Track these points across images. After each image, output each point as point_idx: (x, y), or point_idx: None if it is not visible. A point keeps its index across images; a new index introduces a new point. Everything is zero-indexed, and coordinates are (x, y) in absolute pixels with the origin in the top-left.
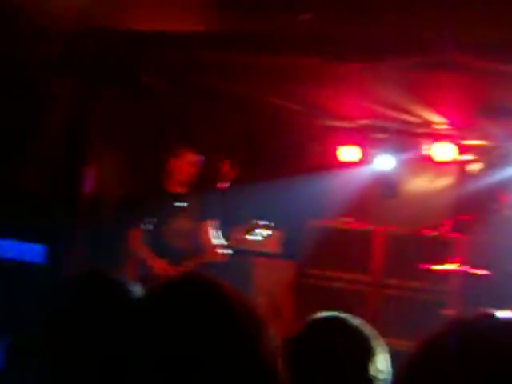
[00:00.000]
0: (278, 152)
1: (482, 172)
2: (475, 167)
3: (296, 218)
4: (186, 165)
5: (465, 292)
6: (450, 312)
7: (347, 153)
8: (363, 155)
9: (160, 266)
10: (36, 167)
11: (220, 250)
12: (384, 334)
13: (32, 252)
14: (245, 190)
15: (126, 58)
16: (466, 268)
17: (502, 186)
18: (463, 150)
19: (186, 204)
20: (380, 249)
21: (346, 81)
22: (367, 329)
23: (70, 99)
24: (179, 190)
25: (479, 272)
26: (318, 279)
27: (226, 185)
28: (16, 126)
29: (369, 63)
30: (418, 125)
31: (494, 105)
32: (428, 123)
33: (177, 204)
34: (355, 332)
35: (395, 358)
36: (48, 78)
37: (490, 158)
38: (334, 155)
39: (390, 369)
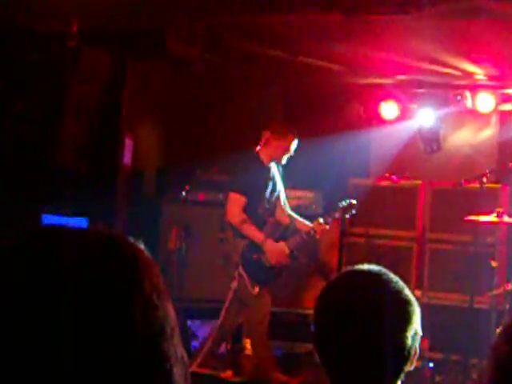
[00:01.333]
0: (317, 112)
1: None
2: None
3: (338, 178)
4: (286, 147)
5: (511, 243)
6: (497, 263)
7: (388, 109)
8: (404, 111)
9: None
10: (73, 142)
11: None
12: (432, 288)
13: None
14: None
15: (154, 27)
16: (510, 218)
17: None
18: (504, 99)
19: (272, 177)
20: (425, 204)
21: (381, 36)
22: (403, 286)
23: (102, 71)
24: (270, 163)
25: None
26: (363, 238)
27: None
28: (50, 101)
29: (401, 15)
30: (458, 77)
31: None
32: (467, 74)
33: (268, 177)
34: (393, 290)
35: (443, 311)
36: (80, 51)
37: None
38: (375, 112)
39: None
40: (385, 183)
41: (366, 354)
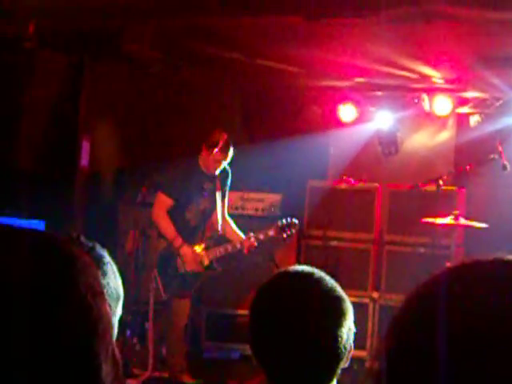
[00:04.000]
0: (275, 114)
1: (480, 123)
2: (474, 119)
3: (296, 180)
4: (214, 160)
5: (467, 245)
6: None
7: (347, 112)
8: (362, 113)
9: (187, 250)
10: (30, 144)
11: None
12: (389, 290)
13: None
14: (243, 153)
15: (110, 28)
16: (466, 221)
17: (501, 137)
18: (461, 102)
19: (211, 184)
20: (382, 206)
21: (340, 39)
22: (336, 285)
23: (59, 73)
24: (207, 173)
25: (479, 224)
26: (321, 240)
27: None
28: (6, 104)
29: (359, 18)
30: (415, 80)
31: (490, 55)
32: (425, 78)
33: (204, 184)
34: (325, 289)
35: None
36: (36, 53)
37: (489, 109)
38: (333, 115)
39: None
40: (343, 185)
41: (301, 352)
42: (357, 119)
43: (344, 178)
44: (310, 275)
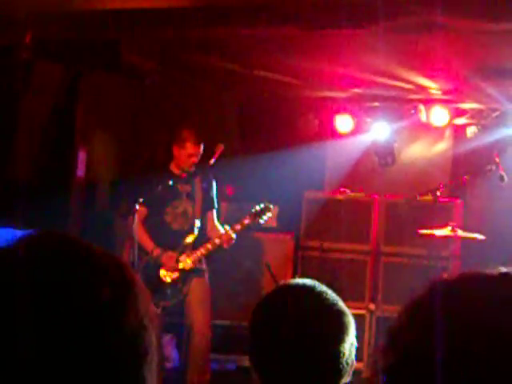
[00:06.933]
0: (272, 125)
1: (477, 135)
2: (471, 130)
3: (292, 191)
4: (187, 155)
5: (464, 256)
6: None
7: (343, 123)
8: (359, 124)
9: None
10: (26, 154)
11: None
12: (386, 301)
13: None
14: (239, 164)
15: (107, 38)
16: (463, 232)
17: (498, 148)
18: (458, 113)
19: (188, 186)
20: (379, 217)
21: (336, 50)
22: (338, 299)
23: (56, 84)
24: (180, 172)
25: (476, 236)
26: (317, 251)
27: (213, 160)
28: (2, 114)
29: (356, 29)
30: (412, 91)
31: (487, 66)
32: (422, 88)
33: (179, 186)
34: (327, 303)
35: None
36: (33, 63)
37: (485, 120)
38: (330, 126)
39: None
40: (339, 196)
41: (301, 367)
42: (353, 130)
43: (340, 189)
44: (311, 289)
